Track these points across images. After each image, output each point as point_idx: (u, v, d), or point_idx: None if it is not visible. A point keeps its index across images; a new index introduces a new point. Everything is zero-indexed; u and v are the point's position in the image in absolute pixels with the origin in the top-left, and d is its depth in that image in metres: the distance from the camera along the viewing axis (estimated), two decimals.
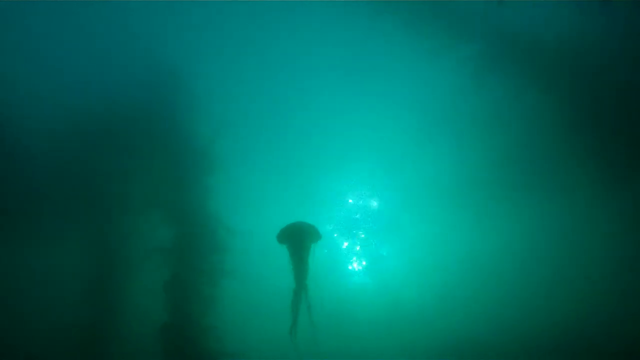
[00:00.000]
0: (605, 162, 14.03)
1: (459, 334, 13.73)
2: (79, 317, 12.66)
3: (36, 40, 14.30)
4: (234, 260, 13.60)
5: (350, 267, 15.84)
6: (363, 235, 15.83)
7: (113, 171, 13.93)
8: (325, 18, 14.90)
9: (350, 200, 15.86)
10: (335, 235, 15.56)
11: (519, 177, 14.70)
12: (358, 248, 15.89)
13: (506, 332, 13.36)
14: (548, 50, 14.05)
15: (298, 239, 10.68)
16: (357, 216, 15.90)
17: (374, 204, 15.87)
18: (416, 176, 15.22)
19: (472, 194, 14.87)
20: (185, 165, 14.22)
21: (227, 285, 13.33)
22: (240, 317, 13.24)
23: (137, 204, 13.85)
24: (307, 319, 10.93)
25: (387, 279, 15.32)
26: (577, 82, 14.02)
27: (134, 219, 13.78)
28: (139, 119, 14.17)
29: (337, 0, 14.69)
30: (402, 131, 15.30)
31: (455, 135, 15.03)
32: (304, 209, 14.21)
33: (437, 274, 14.72)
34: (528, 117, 14.50)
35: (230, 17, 14.95)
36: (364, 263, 15.94)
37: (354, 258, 15.86)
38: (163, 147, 14.29)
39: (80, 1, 14.07)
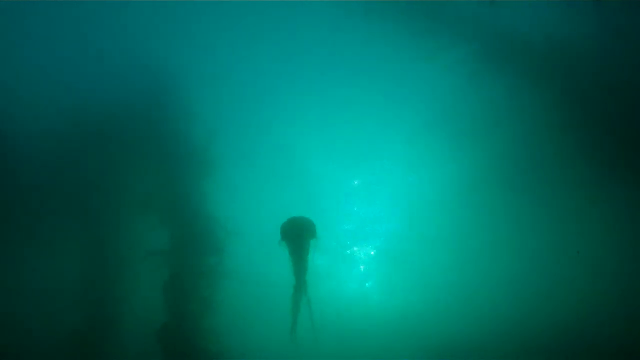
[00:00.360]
0: (600, 161, 14.10)
1: (459, 334, 13.70)
2: (78, 317, 12.62)
3: (35, 41, 14.36)
4: (232, 261, 13.58)
5: (349, 268, 15.84)
6: (359, 242, 15.87)
7: (111, 172, 13.95)
8: (321, 19, 14.99)
9: (347, 201, 15.91)
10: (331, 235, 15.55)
11: (517, 177, 14.76)
12: (360, 252, 15.92)
13: (506, 332, 13.33)
14: (542, 50, 14.15)
15: (297, 234, 10.68)
16: (355, 217, 15.94)
17: (372, 205, 15.90)
18: (414, 176, 15.28)
19: (470, 194, 14.92)
20: (183, 166, 14.23)
21: (226, 286, 13.30)
22: (239, 318, 13.22)
23: (135, 204, 13.83)
24: (307, 319, 10.89)
25: (387, 280, 15.32)
26: (572, 81, 14.12)
27: (133, 219, 13.77)
28: (137, 120, 14.21)
29: (333, 1, 14.78)
30: (399, 132, 15.37)
31: (452, 136, 15.10)
32: (302, 208, 14.18)
33: (436, 274, 14.73)
34: (524, 116, 14.57)
35: (226, 19, 15.06)
36: (362, 267, 15.96)
37: (353, 257, 15.86)
38: (161, 148, 14.31)
39: (79, 2, 14.16)
